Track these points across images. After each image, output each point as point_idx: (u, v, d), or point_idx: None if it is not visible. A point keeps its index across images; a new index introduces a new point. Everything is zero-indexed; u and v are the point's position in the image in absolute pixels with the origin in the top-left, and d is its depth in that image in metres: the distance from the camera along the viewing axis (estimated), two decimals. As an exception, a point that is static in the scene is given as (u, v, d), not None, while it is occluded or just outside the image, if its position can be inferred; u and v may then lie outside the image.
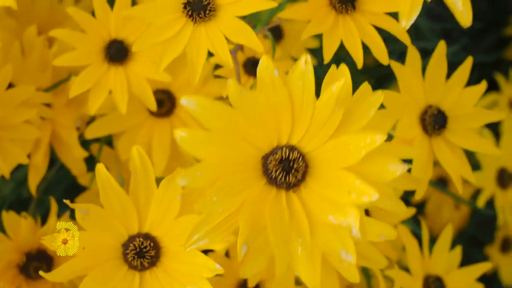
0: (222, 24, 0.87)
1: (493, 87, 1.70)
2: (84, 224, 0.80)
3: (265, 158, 0.69)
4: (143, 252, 0.81)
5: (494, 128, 1.45)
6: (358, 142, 0.66)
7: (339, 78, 0.70)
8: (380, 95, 0.70)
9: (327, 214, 0.67)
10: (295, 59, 1.14)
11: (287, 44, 1.14)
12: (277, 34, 1.14)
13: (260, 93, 0.69)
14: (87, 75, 0.96)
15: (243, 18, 0.90)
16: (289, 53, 1.14)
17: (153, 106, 0.97)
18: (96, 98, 0.96)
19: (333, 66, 0.74)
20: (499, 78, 1.68)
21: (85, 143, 1.08)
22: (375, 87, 1.13)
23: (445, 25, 1.66)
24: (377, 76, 1.03)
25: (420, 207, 1.50)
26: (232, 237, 0.70)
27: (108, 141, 1.09)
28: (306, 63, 0.69)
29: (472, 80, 1.03)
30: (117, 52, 0.97)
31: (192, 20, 0.88)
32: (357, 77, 1.34)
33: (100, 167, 0.81)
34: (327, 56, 0.91)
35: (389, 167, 0.67)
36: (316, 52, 1.10)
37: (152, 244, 0.81)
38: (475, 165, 1.39)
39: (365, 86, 0.75)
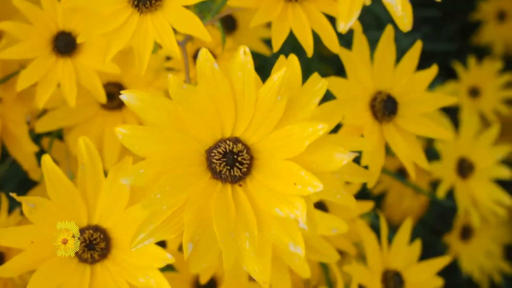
0: (168, 14, 0.85)
1: (454, 75, 1.70)
2: (31, 218, 0.78)
3: (209, 152, 0.68)
4: (93, 244, 0.79)
5: (454, 117, 1.45)
6: (301, 132, 0.66)
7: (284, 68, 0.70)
8: (324, 84, 0.68)
9: (274, 206, 0.66)
10: (249, 50, 1.13)
11: (241, 35, 1.13)
12: (230, 24, 1.13)
13: (201, 87, 0.68)
14: (35, 68, 0.94)
15: (194, 8, 0.89)
16: (243, 44, 1.13)
17: (103, 98, 0.96)
18: (43, 92, 0.94)
19: (282, 57, 0.73)
20: (458, 67, 1.68)
21: (36, 138, 1.07)
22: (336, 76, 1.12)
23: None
24: (338, 65, 1.02)
25: (381, 198, 1.51)
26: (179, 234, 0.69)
27: (59, 135, 1.07)
28: (245, 54, 0.68)
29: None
30: (65, 44, 0.95)
31: (138, 10, 0.86)
32: (317, 65, 1.34)
33: (45, 159, 0.79)
34: (276, 44, 0.90)
35: (335, 156, 0.66)
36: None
37: (102, 236, 0.80)
38: (435, 155, 1.39)
39: (315, 76, 0.74)
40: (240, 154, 0.68)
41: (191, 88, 0.68)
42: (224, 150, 0.68)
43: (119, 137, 0.67)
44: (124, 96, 0.67)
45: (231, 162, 0.67)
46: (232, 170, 0.67)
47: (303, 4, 0.91)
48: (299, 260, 0.81)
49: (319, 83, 0.69)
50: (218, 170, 0.67)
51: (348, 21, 0.79)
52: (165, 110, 0.68)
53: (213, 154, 0.68)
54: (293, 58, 0.73)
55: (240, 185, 0.68)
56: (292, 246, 0.67)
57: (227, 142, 0.68)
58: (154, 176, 0.66)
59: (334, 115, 0.74)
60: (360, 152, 0.91)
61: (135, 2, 0.86)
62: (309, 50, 0.90)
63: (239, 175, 0.68)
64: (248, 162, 0.68)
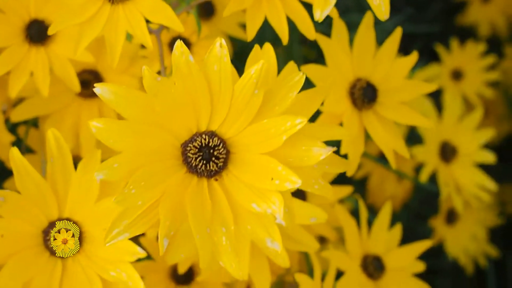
0: (140, 4, 0.84)
1: (437, 58, 1.69)
2: (1, 211, 0.77)
3: (184, 146, 0.67)
4: (64, 238, 0.79)
5: (437, 100, 1.44)
6: (279, 126, 0.64)
7: (261, 59, 0.68)
8: (301, 77, 0.67)
9: (251, 201, 0.65)
10: (228, 36, 1.12)
11: (219, 20, 1.12)
12: (208, 10, 1.11)
13: (176, 80, 0.66)
14: (7, 57, 0.92)
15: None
16: (221, 30, 1.11)
17: (76, 87, 0.94)
18: (16, 81, 0.92)
19: (257, 46, 0.72)
20: (440, 49, 1.66)
21: (12, 127, 1.05)
22: (317, 59, 1.11)
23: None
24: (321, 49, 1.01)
25: (363, 182, 1.50)
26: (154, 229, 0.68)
27: (35, 123, 1.06)
28: (221, 46, 0.66)
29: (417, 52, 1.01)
30: (38, 33, 0.93)
31: (109, 0, 0.84)
32: (298, 49, 1.33)
33: (13, 151, 0.78)
34: (251, 33, 0.89)
35: (313, 151, 0.65)
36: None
37: (73, 229, 0.79)
38: (418, 139, 1.38)
39: (291, 65, 0.73)
40: (216, 148, 0.66)
41: (165, 81, 0.66)
42: (200, 144, 0.66)
43: (93, 131, 0.65)
44: (97, 89, 0.66)
45: (207, 156, 0.66)
46: (208, 165, 0.66)
47: None
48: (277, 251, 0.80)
49: (296, 76, 0.67)
50: (193, 165, 0.66)
51: (325, 8, 0.78)
52: (139, 103, 0.66)
53: (188, 148, 0.66)
54: (269, 48, 0.72)
55: (216, 180, 0.67)
56: (270, 241, 0.66)
57: (203, 136, 0.67)
58: (128, 171, 0.64)
59: (312, 104, 0.73)
60: (339, 141, 0.91)
61: (107, -8, 0.84)
62: (284, 38, 0.89)
63: (215, 170, 0.66)
64: (224, 156, 0.67)
